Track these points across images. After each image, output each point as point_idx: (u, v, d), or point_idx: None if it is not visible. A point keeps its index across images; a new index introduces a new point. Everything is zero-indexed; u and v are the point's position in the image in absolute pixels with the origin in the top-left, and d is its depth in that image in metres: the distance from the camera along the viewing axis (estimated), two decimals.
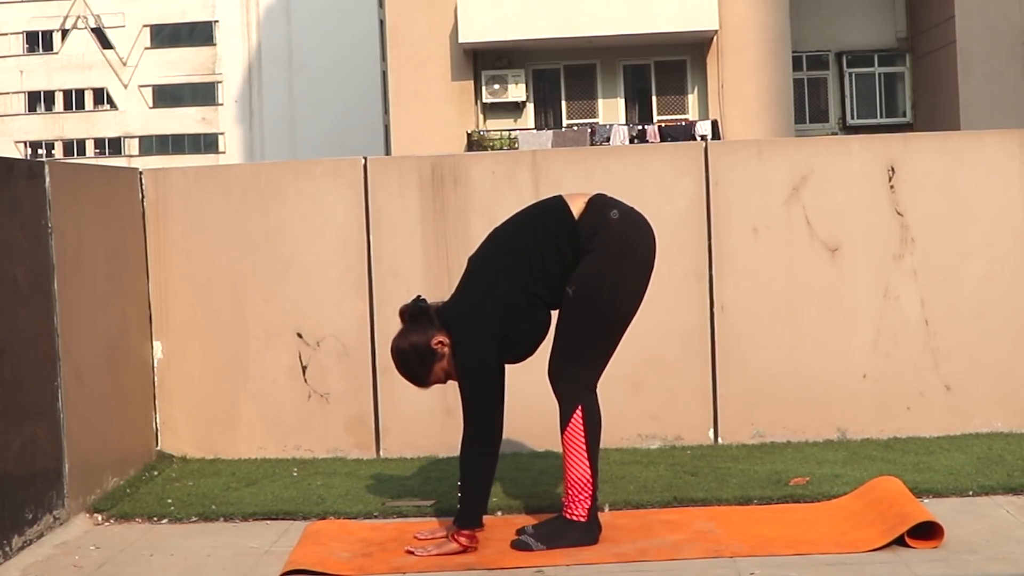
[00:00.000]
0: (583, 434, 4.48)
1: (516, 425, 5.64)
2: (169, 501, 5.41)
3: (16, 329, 4.80)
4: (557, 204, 4.55)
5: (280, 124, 51.27)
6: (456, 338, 4.45)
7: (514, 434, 5.97)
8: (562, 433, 4.52)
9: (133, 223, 6.22)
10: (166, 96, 53.57)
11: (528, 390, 6.02)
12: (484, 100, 22.53)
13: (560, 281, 4.47)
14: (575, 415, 4.49)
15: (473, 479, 4.47)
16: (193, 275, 6.33)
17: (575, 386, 4.51)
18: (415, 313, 4.51)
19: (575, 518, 4.51)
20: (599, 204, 4.52)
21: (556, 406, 4.55)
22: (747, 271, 6.23)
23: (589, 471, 4.50)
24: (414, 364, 4.51)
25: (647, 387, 6.17)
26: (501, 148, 21.06)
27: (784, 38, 22.10)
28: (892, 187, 6.22)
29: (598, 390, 4.59)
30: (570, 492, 4.51)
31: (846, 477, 5.32)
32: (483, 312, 4.44)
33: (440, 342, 4.47)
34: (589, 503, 4.51)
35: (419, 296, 4.61)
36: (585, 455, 4.49)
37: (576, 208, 4.49)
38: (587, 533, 4.52)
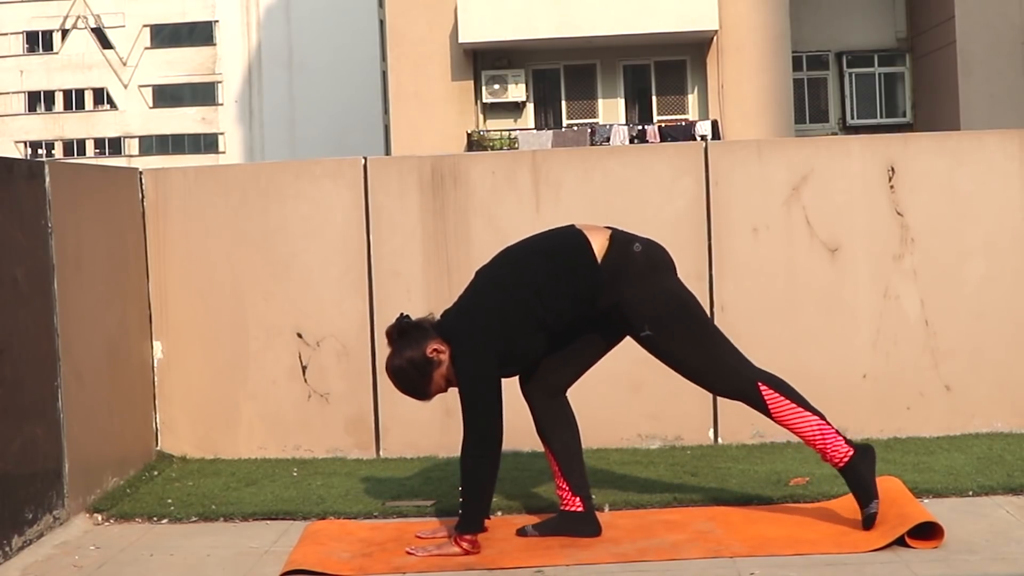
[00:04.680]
0: (784, 398, 4.48)
1: (516, 425, 5.63)
2: (169, 501, 5.41)
3: (16, 329, 4.80)
4: (577, 240, 4.53)
5: (280, 124, 51.26)
6: (458, 349, 4.46)
7: (514, 434, 5.94)
8: (771, 418, 4.52)
9: (133, 223, 6.22)
10: (166, 96, 53.57)
11: None
12: (484, 100, 22.53)
13: (570, 312, 4.48)
14: (763, 395, 4.49)
15: (474, 485, 4.47)
16: (193, 275, 6.33)
17: (734, 381, 4.54)
18: (403, 330, 4.52)
19: (847, 458, 4.47)
20: (620, 242, 4.53)
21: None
22: (747, 271, 6.23)
23: (814, 417, 4.47)
24: (413, 378, 4.51)
25: (647, 387, 6.16)
26: (501, 148, 21.05)
27: (784, 38, 22.10)
28: (892, 187, 6.22)
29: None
30: (820, 448, 4.48)
31: None
32: (488, 328, 4.45)
33: (435, 349, 4.48)
34: (840, 439, 4.47)
35: (402, 314, 4.63)
36: (801, 410, 4.47)
37: (597, 246, 4.50)
38: (866, 459, 4.48)
